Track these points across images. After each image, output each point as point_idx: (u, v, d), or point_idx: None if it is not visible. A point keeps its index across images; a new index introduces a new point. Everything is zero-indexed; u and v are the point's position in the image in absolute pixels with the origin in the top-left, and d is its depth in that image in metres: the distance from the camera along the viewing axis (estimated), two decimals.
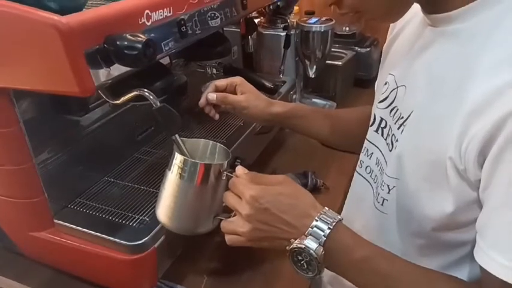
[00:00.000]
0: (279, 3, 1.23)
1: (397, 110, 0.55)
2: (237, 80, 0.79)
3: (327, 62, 1.31)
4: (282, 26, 1.23)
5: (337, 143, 0.83)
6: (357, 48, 1.47)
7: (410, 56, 0.55)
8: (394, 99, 0.56)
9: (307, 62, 1.29)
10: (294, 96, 1.28)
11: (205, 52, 0.94)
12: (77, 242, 0.69)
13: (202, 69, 1.02)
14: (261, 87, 0.99)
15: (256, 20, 1.31)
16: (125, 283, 0.70)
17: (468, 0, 0.45)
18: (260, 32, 1.26)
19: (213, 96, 0.77)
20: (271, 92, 0.98)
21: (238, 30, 1.25)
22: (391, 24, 0.64)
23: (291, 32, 1.22)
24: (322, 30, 1.22)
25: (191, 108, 1.05)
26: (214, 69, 0.99)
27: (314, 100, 1.38)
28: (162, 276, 0.74)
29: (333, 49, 1.33)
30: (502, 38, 0.43)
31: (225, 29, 1.16)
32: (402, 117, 0.53)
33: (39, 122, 0.69)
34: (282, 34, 1.21)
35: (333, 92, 1.39)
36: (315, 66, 1.30)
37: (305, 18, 1.25)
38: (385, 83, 0.59)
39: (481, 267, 0.44)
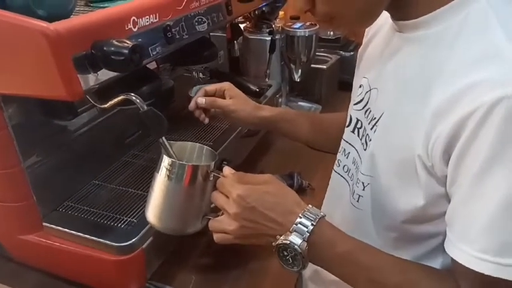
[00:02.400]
0: (264, 9, 1.25)
1: (370, 111, 0.58)
2: (226, 85, 0.81)
3: (312, 65, 1.34)
4: (267, 30, 1.26)
5: (322, 144, 0.86)
6: (341, 52, 1.50)
7: (382, 61, 0.57)
8: (368, 101, 0.59)
9: (293, 66, 1.32)
10: (280, 100, 1.30)
11: (191, 57, 0.96)
12: (65, 244, 0.70)
13: (189, 74, 1.03)
14: (247, 91, 1.01)
15: (242, 25, 1.34)
16: (113, 284, 0.71)
17: (433, 8, 0.48)
18: (246, 37, 1.29)
19: (202, 100, 0.79)
20: (257, 96, 1.00)
21: (225, 35, 1.27)
22: (366, 30, 0.67)
23: (276, 37, 1.24)
24: (307, 35, 1.25)
25: (178, 111, 1.07)
26: (201, 74, 1.01)
27: (300, 103, 1.41)
28: (150, 277, 0.75)
29: (317, 53, 1.36)
30: (463, 44, 0.45)
31: (211, 34, 1.18)
32: (375, 118, 0.56)
33: (27, 126, 0.70)
34: (267, 39, 1.24)
35: (318, 95, 1.42)
36: (300, 70, 1.33)
37: (290, 23, 1.28)
38: (360, 86, 0.62)
39: (451, 257, 0.46)
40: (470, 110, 0.41)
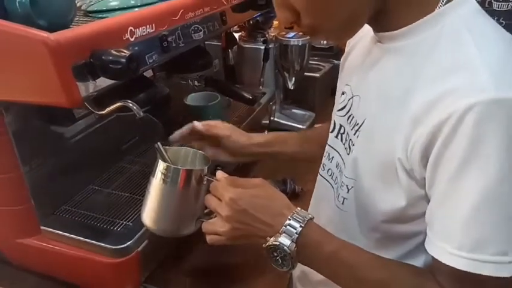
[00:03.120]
0: (258, 18, 1.28)
1: (353, 117, 0.60)
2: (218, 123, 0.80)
3: (306, 74, 1.37)
4: (261, 40, 1.29)
5: (316, 155, 0.86)
6: (334, 60, 1.53)
7: (363, 69, 0.60)
8: (351, 107, 0.62)
9: (286, 74, 1.34)
10: (274, 107, 1.33)
11: (187, 65, 0.98)
12: (63, 247, 0.72)
13: (184, 81, 1.06)
14: (240, 99, 1.04)
15: (237, 34, 1.37)
16: (109, 286, 0.73)
17: (410, 21, 0.51)
18: (241, 46, 1.32)
19: (198, 124, 0.77)
20: (250, 103, 1.03)
21: (220, 44, 1.30)
22: (348, 40, 0.70)
23: (270, 46, 1.27)
24: (300, 44, 1.28)
25: (174, 118, 1.09)
26: (196, 82, 1.03)
27: (294, 110, 1.43)
28: (145, 280, 0.77)
29: (311, 61, 1.39)
30: (438, 54, 0.48)
31: (206, 42, 1.21)
32: (357, 124, 0.58)
33: (27, 132, 0.72)
34: (261, 48, 1.27)
35: (311, 103, 1.44)
36: (293, 78, 1.35)
37: (284, 33, 1.31)
38: (343, 93, 0.65)
39: (431, 255, 0.49)
40: (445, 116, 0.43)
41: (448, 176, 0.45)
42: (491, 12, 1.66)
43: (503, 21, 1.66)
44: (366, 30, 0.60)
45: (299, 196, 1.02)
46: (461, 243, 0.45)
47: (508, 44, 0.48)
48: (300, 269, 0.74)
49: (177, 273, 0.81)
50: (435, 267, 0.49)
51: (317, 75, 1.43)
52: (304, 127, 1.35)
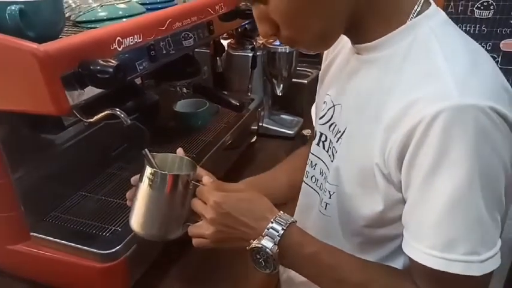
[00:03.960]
0: (246, 26, 1.31)
1: (336, 125, 0.63)
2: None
3: (293, 80, 1.40)
4: (250, 47, 1.31)
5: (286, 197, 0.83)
6: (321, 67, 1.55)
7: (343, 79, 0.63)
8: (332, 116, 0.64)
9: (275, 81, 1.37)
10: (262, 113, 1.35)
11: (175, 73, 1.00)
12: (52, 253, 0.73)
13: (173, 88, 1.07)
14: (227, 105, 1.06)
15: (226, 42, 1.39)
16: None
17: (383, 33, 0.54)
18: (230, 53, 1.34)
19: None
20: (237, 109, 1.05)
21: (208, 51, 1.33)
22: (325, 54, 0.73)
23: (258, 53, 1.30)
24: (288, 51, 1.30)
25: (162, 125, 1.11)
26: (184, 89, 1.05)
27: (282, 116, 1.46)
28: (134, 285, 0.78)
29: (298, 68, 1.41)
30: (410, 65, 0.51)
31: (195, 50, 1.23)
32: (339, 132, 0.61)
33: (17, 140, 0.73)
34: (249, 55, 1.29)
35: (299, 109, 1.47)
36: (282, 85, 1.38)
37: (271, 40, 1.33)
38: (324, 102, 0.67)
39: (409, 256, 0.51)
40: (416, 122, 0.46)
41: (420, 179, 0.47)
42: (473, 20, 1.70)
43: (485, 29, 1.71)
44: (345, 41, 0.62)
45: (288, 203, 1.03)
46: (434, 243, 0.47)
47: (474, 54, 0.50)
48: (286, 274, 0.76)
49: (166, 278, 0.82)
50: (412, 267, 0.52)
51: (305, 81, 1.45)
52: (292, 132, 1.37)
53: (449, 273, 0.47)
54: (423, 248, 0.48)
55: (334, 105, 0.64)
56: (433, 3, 0.54)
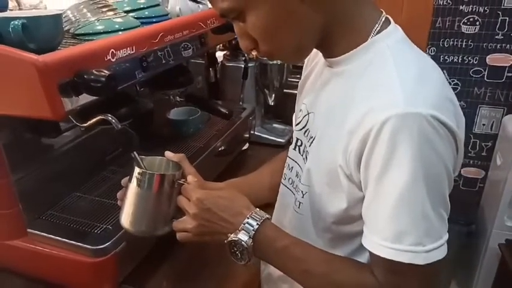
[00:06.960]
0: None
1: (309, 131, 0.69)
2: None
3: (285, 90, 1.45)
4: (243, 58, 1.37)
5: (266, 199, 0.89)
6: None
7: (316, 89, 0.69)
8: (307, 123, 0.70)
9: (267, 91, 1.43)
10: (254, 122, 1.41)
11: (169, 82, 1.06)
12: (47, 248, 0.78)
13: (167, 97, 1.14)
14: (217, 113, 1.12)
15: (222, 53, 1.46)
16: (89, 285, 0.79)
17: (348, 49, 0.60)
18: (224, 64, 1.40)
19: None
20: (226, 117, 1.10)
21: (203, 62, 1.39)
22: (304, 65, 0.79)
23: (250, 65, 1.36)
24: (279, 63, 1.36)
25: (156, 131, 1.17)
26: (177, 97, 1.11)
27: (274, 125, 1.51)
28: (123, 280, 0.82)
29: (290, 79, 1.46)
30: (368, 77, 0.57)
31: (192, 60, 1.29)
32: (312, 137, 0.67)
33: (17, 143, 0.79)
34: (242, 66, 1.35)
35: (291, 118, 1.49)
36: (273, 95, 1.44)
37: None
38: (300, 110, 0.73)
39: (367, 248, 0.56)
40: (369, 127, 0.52)
41: (374, 178, 0.53)
42: (460, 35, 1.76)
43: (472, 43, 1.77)
44: (321, 55, 0.68)
45: (270, 205, 1.08)
46: (386, 235, 0.53)
47: (423, 68, 0.56)
48: (267, 270, 0.81)
49: (155, 275, 0.86)
50: (371, 259, 0.57)
51: (296, 92, 1.50)
52: (283, 140, 1.42)
53: (399, 262, 0.52)
54: (377, 239, 0.54)
55: (308, 113, 0.70)
56: (392, 22, 0.60)
